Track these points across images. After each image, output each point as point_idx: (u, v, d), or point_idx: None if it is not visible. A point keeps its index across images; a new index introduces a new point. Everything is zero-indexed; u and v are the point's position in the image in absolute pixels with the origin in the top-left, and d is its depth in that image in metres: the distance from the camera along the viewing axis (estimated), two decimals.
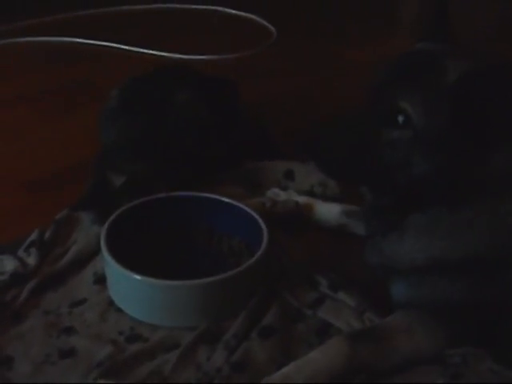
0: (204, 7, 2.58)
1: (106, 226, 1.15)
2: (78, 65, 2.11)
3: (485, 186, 0.96)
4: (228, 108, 1.50)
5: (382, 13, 2.69)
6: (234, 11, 2.54)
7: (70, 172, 1.50)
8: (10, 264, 1.18)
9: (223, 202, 1.24)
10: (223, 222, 1.22)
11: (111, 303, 1.12)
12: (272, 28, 2.38)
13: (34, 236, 1.24)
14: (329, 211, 1.31)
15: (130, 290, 1.09)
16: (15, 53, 2.20)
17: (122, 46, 2.21)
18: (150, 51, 2.17)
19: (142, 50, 2.18)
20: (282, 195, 1.37)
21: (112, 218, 1.17)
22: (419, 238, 1.00)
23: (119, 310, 1.11)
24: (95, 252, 1.20)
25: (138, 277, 1.06)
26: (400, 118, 0.95)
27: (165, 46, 2.16)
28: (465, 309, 0.99)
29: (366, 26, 2.47)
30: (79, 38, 2.26)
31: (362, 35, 2.37)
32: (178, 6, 2.58)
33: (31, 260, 1.19)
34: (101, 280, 1.16)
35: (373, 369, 0.98)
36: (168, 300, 1.07)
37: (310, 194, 1.40)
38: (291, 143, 1.55)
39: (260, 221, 1.17)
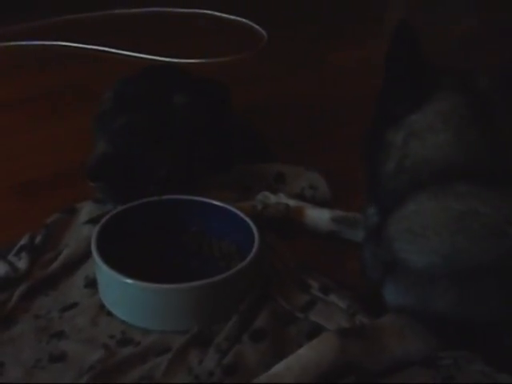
0: (194, 11, 2.58)
1: (97, 229, 1.15)
2: (70, 69, 2.11)
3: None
4: (220, 111, 1.50)
5: (371, 18, 2.70)
6: (224, 15, 2.54)
7: (61, 176, 1.49)
8: (0, 268, 1.17)
9: (214, 205, 1.23)
10: (214, 225, 1.22)
11: (102, 307, 1.12)
12: (263, 32, 2.39)
13: (24, 240, 1.24)
14: (319, 217, 1.32)
15: (121, 294, 1.09)
16: (6, 57, 2.19)
17: (113, 50, 2.21)
18: (141, 55, 2.17)
19: (132, 54, 2.18)
20: (272, 198, 1.37)
21: (103, 221, 1.17)
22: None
23: (110, 313, 1.11)
24: (86, 256, 1.20)
25: (129, 280, 1.06)
26: None
27: (155, 49, 2.15)
28: (454, 319, 0.99)
29: (357, 30, 2.48)
30: (71, 41, 2.25)
31: (352, 40, 2.38)
32: (168, 9, 2.58)
33: (22, 264, 1.19)
34: (92, 284, 1.16)
35: (362, 368, 0.98)
36: (159, 304, 1.07)
37: (301, 196, 1.40)
38: (281, 146, 1.57)
39: (251, 224, 1.17)
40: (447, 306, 0.98)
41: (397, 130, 1.02)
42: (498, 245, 0.95)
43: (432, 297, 0.99)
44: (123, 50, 2.20)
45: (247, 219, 1.18)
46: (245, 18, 2.49)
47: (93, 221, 1.28)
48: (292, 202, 1.35)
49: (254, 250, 1.11)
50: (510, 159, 0.98)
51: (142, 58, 2.16)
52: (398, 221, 1.00)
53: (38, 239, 1.25)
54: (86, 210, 1.33)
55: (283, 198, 1.37)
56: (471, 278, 0.96)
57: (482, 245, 0.95)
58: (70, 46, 2.25)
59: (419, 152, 1.00)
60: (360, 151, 1.10)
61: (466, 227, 0.95)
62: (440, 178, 0.98)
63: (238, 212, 1.20)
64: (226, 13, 2.54)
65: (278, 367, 0.97)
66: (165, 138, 1.36)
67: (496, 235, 0.95)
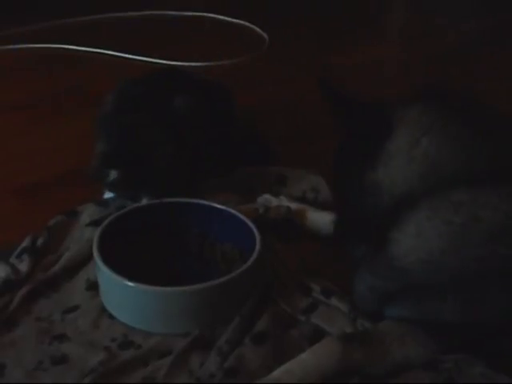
0: (196, 14, 2.58)
1: (99, 232, 1.15)
2: (71, 71, 2.11)
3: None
4: (222, 113, 1.50)
5: (372, 20, 2.71)
6: (226, 18, 2.54)
7: (62, 178, 1.49)
8: (1, 271, 1.17)
9: (216, 208, 1.24)
10: (216, 228, 1.22)
11: (104, 310, 1.12)
12: (264, 35, 2.39)
13: (26, 242, 1.24)
14: (320, 220, 1.31)
15: (123, 297, 1.09)
16: (5, 60, 2.19)
17: (114, 53, 2.21)
18: (142, 58, 2.17)
19: (133, 57, 2.18)
20: (274, 201, 1.37)
21: (104, 224, 1.17)
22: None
23: (112, 316, 1.11)
24: (88, 258, 1.20)
25: (130, 283, 1.06)
26: None
27: (156, 52, 2.15)
28: (457, 325, 0.99)
29: (357, 33, 2.49)
30: (71, 44, 2.25)
31: (354, 42, 2.38)
32: (169, 12, 2.58)
33: (23, 267, 1.19)
34: (93, 287, 1.16)
35: (364, 372, 0.98)
36: (160, 306, 1.07)
37: (302, 199, 1.40)
38: (283, 149, 1.57)
39: (253, 227, 1.17)
40: (452, 315, 0.99)
41: (375, 166, 1.01)
42: (500, 246, 0.95)
43: (439, 309, 0.99)
44: (124, 53, 2.20)
45: (249, 222, 1.18)
46: (245, 20, 2.49)
47: (94, 223, 1.28)
48: (293, 205, 1.35)
49: (256, 252, 1.11)
50: (497, 155, 0.99)
51: (143, 61, 2.16)
52: (406, 252, 0.99)
53: (39, 241, 1.25)
54: (88, 212, 1.33)
55: (285, 201, 1.36)
56: (476, 283, 0.96)
57: (486, 249, 0.95)
58: (70, 49, 2.25)
59: (408, 172, 0.99)
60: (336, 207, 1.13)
61: (469, 237, 0.95)
62: (435, 190, 0.98)
63: (240, 215, 1.20)
64: (226, 15, 2.54)
65: (280, 371, 0.97)
66: (165, 138, 1.35)
67: (498, 236, 0.95)
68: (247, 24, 2.48)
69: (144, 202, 1.30)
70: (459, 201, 0.96)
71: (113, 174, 1.30)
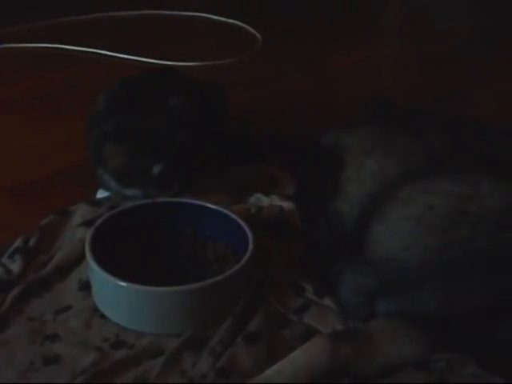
0: (191, 14, 2.58)
1: (91, 232, 1.15)
2: (68, 71, 2.11)
3: None
4: (216, 113, 1.50)
5: (367, 19, 2.71)
6: (219, 18, 2.55)
7: (54, 178, 1.49)
8: None
9: (208, 208, 1.23)
10: (208, 228, 1.22)
11: (96, 310, 1.11)
12: (257, 35, 2.39)
13: (18, 243, 1.23)
14: None
15: (115, 297, 1.08)
16: (1, 59, 2.19)
17: (109, 53, 2.21)
18: (137, 57, 2.17)
19: (128, 57, 2.18)
20: (265, 201, 1.37)
21: (97, 224, 1.17)
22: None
23: (104, 316, 1.10)
24: (80, 258, 1.20)
25: (122, 283, 1.06)
26: None
27: (151, 52, 2.15)
28: (443, 321, 1.00)
29: (351, 32, 2.49)
30: (67, 44, 2.25)
31: (348, 42, 2.38)
32: (163, 12, 2.58)
33: (15, 267, 1.18)
34: (85, 287, 1.15)
35: (355, 370, 0.98)
36: (153, 306, 1.07)
37: None
38: (277, 149, 1.57)
39: (245, 227, 1.17)
40: (432, 308, 0.99)
41: (334, 197, 1.07)
42: (460, 229, 0.95)
43: (419, 303, 1.00)
44: (119, 52, 2.20)
45: (241, 222, 1.18)
46: (239, 20, 2.49)
47: (87, 223, 1.28)
48: (286, 204, 1.35)
49: (248, 252, 1.11)
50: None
51: (138, 60, 2.16)
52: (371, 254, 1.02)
53: (31, 241, 1.25)
54: (80, 212, 1.33)
55: (276, 200, 1.37)
56: (445, 274, 0.97)
57: (447, 236, 0.96)
58: (66, 49, 2.25)
59: (360, 195, 1.04)
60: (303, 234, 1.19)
61: (428, 227, 0.97)
62: (382, 198, 1.01)
63: (233, 215, 1.20)
64: (219, 15, 2.55)
65: (271, 370, 0.97)
66: (158, 138, 1.35)
67: (456, 220, 0.96)
68: (241, 24, 2.48)
69: (175, 190, 1.32)
70: (409, 195, 0.98)
71: (156, 168, 1.30)
